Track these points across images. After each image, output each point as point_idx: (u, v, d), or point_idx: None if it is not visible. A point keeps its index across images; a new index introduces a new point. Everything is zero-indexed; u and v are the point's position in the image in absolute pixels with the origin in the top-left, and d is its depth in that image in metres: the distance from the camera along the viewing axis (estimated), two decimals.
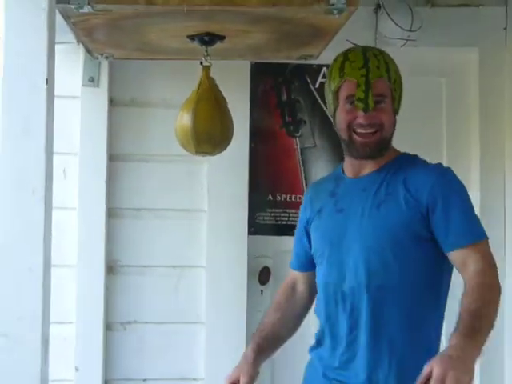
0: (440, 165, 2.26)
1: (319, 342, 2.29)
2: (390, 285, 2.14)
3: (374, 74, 2.20)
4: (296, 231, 2.50)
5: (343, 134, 2.25)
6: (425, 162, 2.27)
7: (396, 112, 2.27)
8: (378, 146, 2.23)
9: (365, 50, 2.26)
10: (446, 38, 3.30)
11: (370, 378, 2.14)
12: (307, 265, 2.41)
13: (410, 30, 3.14)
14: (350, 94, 2.20)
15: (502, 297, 2.09)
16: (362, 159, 2.26)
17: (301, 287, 2.45)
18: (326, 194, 2.34)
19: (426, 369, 1.84)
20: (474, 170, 3.37)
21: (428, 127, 3.43)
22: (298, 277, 2.45)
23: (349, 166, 2.32)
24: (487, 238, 2.15)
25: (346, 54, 2.25)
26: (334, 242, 2.26)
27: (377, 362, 2.13)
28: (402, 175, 2.20)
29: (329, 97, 2.28)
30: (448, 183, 2.19)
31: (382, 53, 2.28)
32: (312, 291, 2.40)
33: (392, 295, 2.14)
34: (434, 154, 3.34)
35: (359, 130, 2.21)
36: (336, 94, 2.24)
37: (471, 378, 1.86)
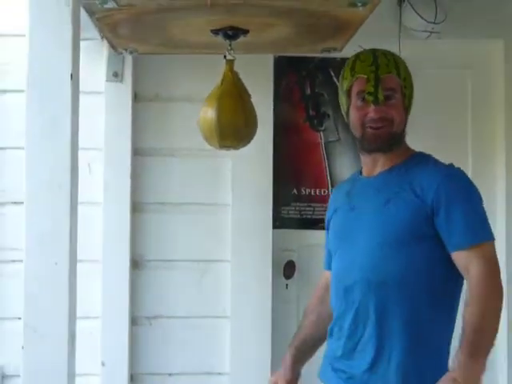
0: (450, 166, 2.26)
1: (330, 333, 2.33)
2: (392, 280, 2.16)
3: (383, 70, 2.26)
4: (326, 224, 2.54)
5: (357, 132, 2.30)
6: (436, 162, 2.28)
7: (407, 110, 2.29)
8: (388, 140, 2.26)
9: (374, 50, 2.32)
10: (470, 30, 3.27)
11: (371, 369, 2.17)
12: None
13: (434, 22, 3.13)
14: (361, 90, 2.26)
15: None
16: (372, 152, 2.29)
17: None
18: (343, 195, 2.40)
19: None
20: (499, 163, 3.35)
21: (453, 120, 3.40)
22: (329, 276, 2.46)
23: (363, 165, 2.38)
24: (492, 240, 2.17)
25: (356, 55, 2.32)
26: (343, 237, 2.32)
27: (377, 354, 2.16)
28: (411, 175, 2.23)
29: (342, 98, 2.34)
30: (454, 184, 2.19)
31: (391, 53, 2.33)
32: None
33: (394, 290, 2.16)
34: (459, 147, 3.35)
35: (371, 125, 2.25)
36: (348, 92, 2.30)
37: None
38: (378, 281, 2.17)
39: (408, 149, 2.33)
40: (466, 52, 3.40)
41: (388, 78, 2.25)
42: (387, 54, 2.30)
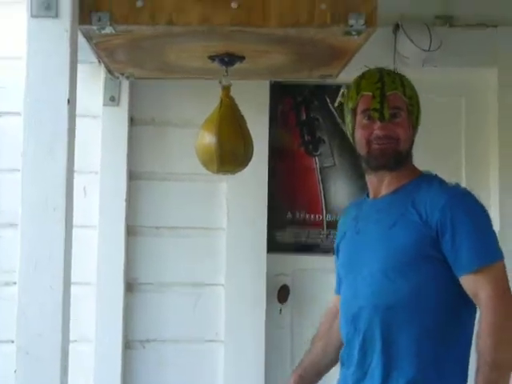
0: (456, 186, 2.24)
1: (341, 361, 2.30)
2: (398, 305, 2.13)
3: (389, 88, 2.25)
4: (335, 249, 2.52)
5: (363, 150, 2.28)
6: (442, 182, 2.25)
7: (414, 127, 2.28)
8: (394, 157, 2.24)
9: (380, 69, 2.31)
10: (464, 58, 3.30)
11: None
12: None
13: (429, 50, 3.16)
14: (366, 108, 2.25)
15: None
16: (379, 170, 2.27)
17: None
18: (351, 219, 2.37)
19: None
20: (493, 189, 3.36)
21: (447, 147, 3.43)
22: (338, 301, 2.43)
23: (369, 186, 2.35)
24: (501, 259, 2.11)
25: (362, 74, 2.32)
26: (350, 262, 2.30)
27: (384, 382, 2.12)
28: (417, 197, 2.19)
29: (347, 118, 2.32)
30: (458, 204, 2.15)
31: (396, 72, 2.33)
32: None
33: (401, 316, 2.12)
34: (452, 173, 3.34)
35: (377, 142, 2.23)
36: (354, 111, 2.28)
37: None
38: (383, 306, 2.14)
39: (414, 169, 2.31)
40: (460, 80, 3.42)
41: (393, 96, 2.24)
42: (391, 73, 2.30)
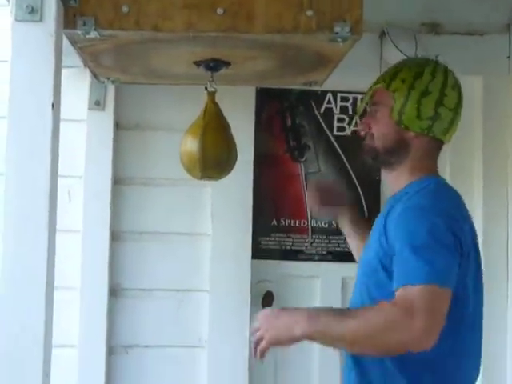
0: (418, 199, 2.08)
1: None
2: None
3: (375, 82, 2.23)
4: None
5: None
6: (415, 193, 2.10)
7: (399, 125, 2.15)
8: (370, 154, 2.21)
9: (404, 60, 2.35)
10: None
11: None
12: None
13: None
14: None
15: None
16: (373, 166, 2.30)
17: None
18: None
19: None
20: (477, 199, 3.37)
21: None
22: None
23: None
24: (425, 283, 1.88)
25: None
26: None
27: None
28: (393, 208, 2.10)
29: None
30: (402, 223, 2.01)
31: (407, 63, 2.30)
32: None
33: None
34: None
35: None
36: None
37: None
38: None
39: (413, 173, 2.16)
40: None
41: (375, 91, 2.21)
42: (400, 65, 2.25)
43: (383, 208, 2.24)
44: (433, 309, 1.87)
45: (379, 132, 2.18)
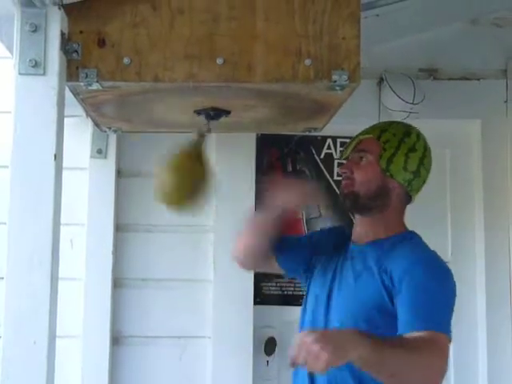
0: (425, 251, 2.21)
1: None
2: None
3: (363, 132, 2.34)
4: (310, 234, 2.60)
5: None
6: (416, 246, 2.23)
7: (384, 172, 2.26)
8: (348, 197, 2.28)
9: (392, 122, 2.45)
10: (448, 111, 3.35)
11: None
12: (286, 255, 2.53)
13: (413, 103, 3.20)
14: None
15: None
16: (349, 211, 2.41)
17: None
18: (342, 246, 2.38)
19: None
20: (478, 241, 3.38)
21: (432, 198, 3.44)
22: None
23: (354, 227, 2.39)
24: (444, 333, 2.01)
25: None
26: (321, 299, 2.31)
27: None
28: (385, 254, 2.19)
29: None
30: (417, 271, 2.11)
31: (392, 122, 2.43)
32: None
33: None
34: (438, 225, 3.38)
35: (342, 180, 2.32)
36: None
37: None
38: None
39: (397, 224, 2.30)
40: (444, 132, 3.45)
41: (364, 140, 2.31)
42: (387, 123, 2.40)
43: (361, 251, 2.28)
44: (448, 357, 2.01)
45: (363, 178, 2.27)
